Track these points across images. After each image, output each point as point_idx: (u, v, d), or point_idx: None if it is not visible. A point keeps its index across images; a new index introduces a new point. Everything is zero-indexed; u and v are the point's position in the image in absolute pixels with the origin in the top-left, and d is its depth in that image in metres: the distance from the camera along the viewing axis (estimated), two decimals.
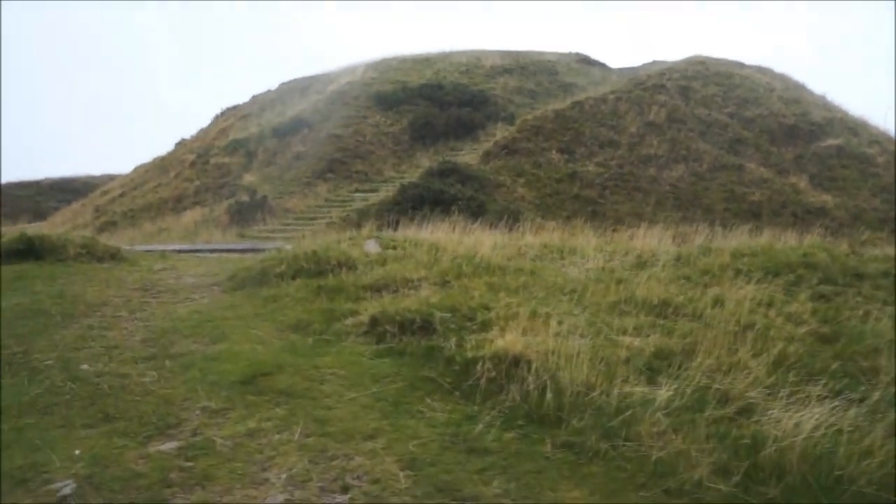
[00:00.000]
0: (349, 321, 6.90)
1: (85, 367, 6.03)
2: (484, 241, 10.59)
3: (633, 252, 10.06)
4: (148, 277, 10.38)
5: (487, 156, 26.13)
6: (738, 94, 31.54)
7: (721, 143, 27.91)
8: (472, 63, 37.76)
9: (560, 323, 6.32)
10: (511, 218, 21.91)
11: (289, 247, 17.05)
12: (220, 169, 29.12)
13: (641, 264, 9.38)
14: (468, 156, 27.12)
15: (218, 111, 40.33)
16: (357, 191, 26.31)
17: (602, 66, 41.93)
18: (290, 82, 39.47)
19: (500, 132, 28.86)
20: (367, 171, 27.86)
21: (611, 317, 6.81)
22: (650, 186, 24.80)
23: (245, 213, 24.12)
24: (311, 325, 6.98)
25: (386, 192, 24.70)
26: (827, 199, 25.93)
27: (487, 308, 6.76)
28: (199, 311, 7.91)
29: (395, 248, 10.24)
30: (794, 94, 34.31)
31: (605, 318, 6.71)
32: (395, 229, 22.11)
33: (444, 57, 38.83)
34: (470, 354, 5.48)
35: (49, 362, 6.13)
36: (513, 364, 5.22)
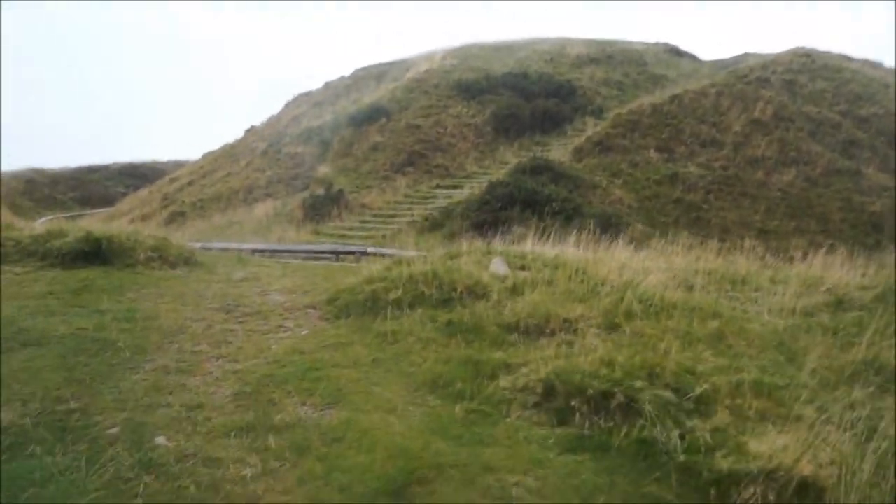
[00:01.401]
0: (505, 382, 5.20)
1: (161, 440, 4.45)
2: (630, 262, 8.79)
3: (817, 284, 8.16)
4: (228, 292, 8.83)
5: (579, 152, 24.25)
6: (849, 90, 29.04)
7: (834, 144, 25.56)
8: (557, 52, 35.82)
9: (812, 405, 4.53)
10: (612, 225, 20.09)
11: (389, 252, 15.46)
12: (293, 159, 27.77)
13: (839, 303, 7.48)
14: (557, 151, 25.28)
15: (289, 97, 39.10)
16: (438, 186, 24.68)
17: (692, 57, 39.60)
18: (364, 69, 38.04)
19: (591, 126, 26.95)
20: (449, 165, 26.21)
21: (862, 393, 4.98)
22: (758, 192, 22.65)
23: (320, 208, 22.68)
24: (453, 383, 5.30)
25: (471, 189, 23.01)
26: None
27: (693, 373, 4.99)
28: (300, 349, 6.29)
29: (524, 268, 8.51)
30: None
31: (859, 397, 4.89)
32: (491, 235, 20.45)
33: (527, 45, 36.96)
34: (724, 466, 3.72)
35: (114, 430, 4.57)
36: (798, 491, 3.45)
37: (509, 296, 7.20)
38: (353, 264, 13.12)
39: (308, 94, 37.45)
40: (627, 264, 8.68)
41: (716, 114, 25.97)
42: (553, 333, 6.23)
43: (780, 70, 29.63)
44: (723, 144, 24.42)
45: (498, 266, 8.27)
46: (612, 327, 6.31)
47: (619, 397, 4.57)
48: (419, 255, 11.58)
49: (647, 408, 4.46)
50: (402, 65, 36.50)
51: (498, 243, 13.88)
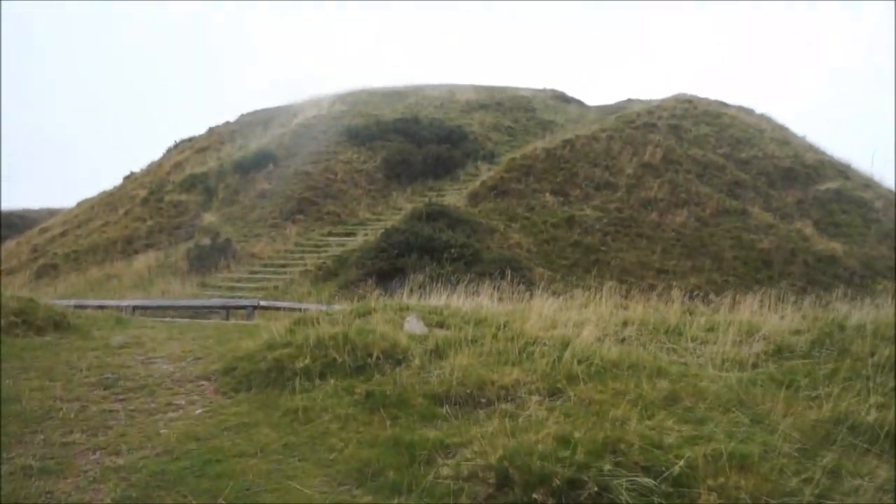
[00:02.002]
0: (447, 468, 4.41)
1: None
2: (553, 313, 8.18)
3: (751, 331, 7.74)
4: (107, 361, 7.73)
5: (475, 197, 23.87)
6: (730, 135, 29.95)
7: (720, 185, 26.15)
8: (446, 97, 35.72)
9: (799, 477, 3.96)
10: (510, 269, 19.64)
11: (283, 305, 14.41)
12: (175, 207, 26.31)
13: (779, 351, 7.07)
14: (452, 197, 24.87)
15: (171, 143, 37.43)
16: (331, 234, 23.79)
17: (578, 102, 40.29)
18: (250, 114, 36.86)
19: (484, 172, 26.74)
20: (340, 212, 25.39)
21: (849, 459, 4.45)
22: (654, 233, 22.78)
23: (206, 259, 21.40)
24: (384, 472, 4.48)
25: (364, 236, 22.23)
26: (835, 246, 24.25)
27: (661, 447, 4.36)
28: (196, 434, 5.33)
29: (442, 325, 7.78)
30: (781, 134, 32.94)
31: (845, 464, 4.35)
32: (391, 285, 19.63)
33: (416, 91, 36.71)
34: None
35: None
36: None
37: (432, 359, 6.44)
38: (247, 322, 12.07)
39: (191, 140, 35.95)
40: (551, 316, 8.07)
41: (608, 157, 26.18)
42: (489, 404, 5.50)
43: (665, 115, 30.31)
44: (616, 187, 24.56)
45: (413, 324, 7.51)
46: (554, 393, 5.63)
47: (591, 486, 3.85)
48: (318, 310, 10.71)
49: (625, 497, 3.77)
50: (288, 110, 35.56)
51: (401, 294, 13.18)
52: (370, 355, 6.42)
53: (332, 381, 6.09)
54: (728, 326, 8.19)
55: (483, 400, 5.58)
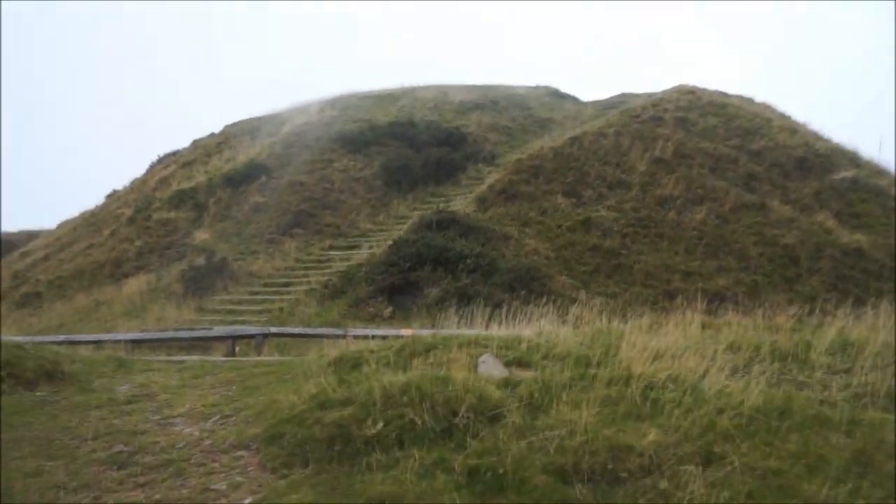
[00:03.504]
0: None
1: None
2: (637, 338, 6.90)
3: (871, 350, 6.49)
4: (115, 424, 6.39)
5: (483, 202, 22.58)
6: (738, 126, 28.82)
7: (735, 179, 25.01)
8: (440, 98, 34.41)
9: None
10: (534, 279, 18.40)
11: (294, 332, 12.93)
12: (164, 226, 24.85)
13: None
14: (458, 202, 23.57)
15: (154, 158, 35.84)
16: (332, 248, 22.45)
17: (574, 98, 39.09)
18: (235, 124, 35.35)
19: (486, 174, 25.48)
20: (340, 223, 24.05)
21: None
22: (674, 232, 21.59)
23: (202, 280, 20.00)
24: None
25: (370, 249, 20.90)
26: (860, 238, 23.17)
27: None
28: None
29: (520, 363, 6.48)
30: (787, 123, 31.85)
31: None
32: (404, 299, 18.28)
33: (408, 92, 35.39)
34: None
35: None
36: None
37: (530, 414, 5.15)
38: (268, 359, 10.70)
39: (175, 154, 34.40)
40: (642, 345, 6.79)
41: (618, 154, 24.97)
42: (632, 478, 4.23)
43: (670, 108, 29.14)
44: (630, 185, 23.34)
45: (490, 365, 6.21)
46: (711, 459, 4.36)
47: None
48: (349, 338, 9.45)
49: None
50: (275, 119, 34.10)
51: (436, 317, 11.93)
52: (455, 413, 5.12)
53: (415, 451, 4.76)
54: (847, 348, 6.98)
55: (623, 474, 4.30)
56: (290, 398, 6.05)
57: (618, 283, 19.42)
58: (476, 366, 6.19)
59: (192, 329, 15.26)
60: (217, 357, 12.30)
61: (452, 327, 10.65)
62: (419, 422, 5.00)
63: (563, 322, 8.94)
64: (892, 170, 29.06)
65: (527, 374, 6.02)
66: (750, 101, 34.77)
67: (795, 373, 6.22)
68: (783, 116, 33.23)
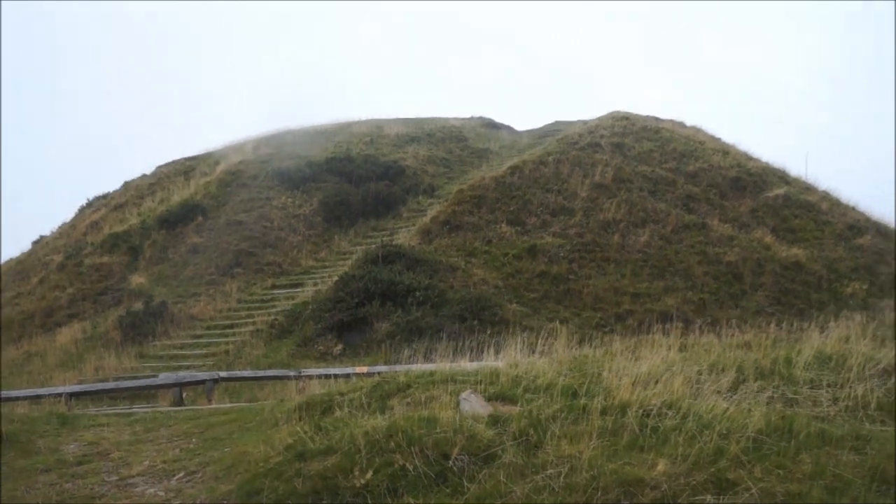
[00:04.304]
0: None
1: None
2: (616, 363, 6.69)
3: (842, 360, 6.42)
4: (68, 490, 5.88)
5: (427, 234, 22.36)
6: (672, 148, 29.32)
7: (674, 200, 25.35)
8: (375, 133, 34.21)
9: None
10: (484, 308, 18.19)
11: (245, 375, 12.40)
12: (97, 271, 23.91)
13: None
14: (401, 235, 23.31)
15: (83, 201, 34.62)
16: (275, 287, 21.90)
17: (508, 128, 39.29)
18: (167, 164, 34.51)
19: (428, 206, 25.27)
20: (281, 261, 23.54)
21: None
22: (620, 255, 21.68)
23: (141, 326, 19.28)
24: None
25: (315, 285, 20.45)
26: (798, 252, 23.69)
27: None
28: None
29: (504, 397, 6.19)
30: (718, 145, 32.56)
31: None
32: (353, 336, 17.85)
33: (343, 128, 35.10)
34: None
35: None
36: None
37: (526, 451, 4.87)
38: (225, 406, 10.18)
39: (105, 197, 33.32)
40: (620, 370, 6.60)
41: (558, 181, 25.05)
42: None
43: (606, 134, 29.47)
44: (573, 211, 23.40)
45: (473, 403, 5.91)
46: (725, 487, 4.14)
47: None
48: (306, 380, 9.09)
49: None
50: (208, 158, 33.39)
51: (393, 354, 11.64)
52: (446, 456, 4.80)
53: (409, 499, 4.43)
54: (826, 361, 6.91)
55: None
56: (261, 449, 5.65)
57: (568, 307, 19.34)
58: (458, 403, 5.89)
59: (136, 377, 14.57)
60: (166, 406, 11.72)
61: (409, 362, 10.34)
62: (410, 468, 4.67)
63: (533, 351, 8.69)
64: (819, 185, 30.09)
65: (513, 410, 5.74)
66: (681, 124, 35.45)
67: (783, 390, 6.08)
68: (714, 138, 33.96)
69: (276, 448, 5.47)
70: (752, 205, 26.38)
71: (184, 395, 13.13)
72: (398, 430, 5.07)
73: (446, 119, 38.20)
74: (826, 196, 28.99)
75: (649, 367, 6.70)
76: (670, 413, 5.19)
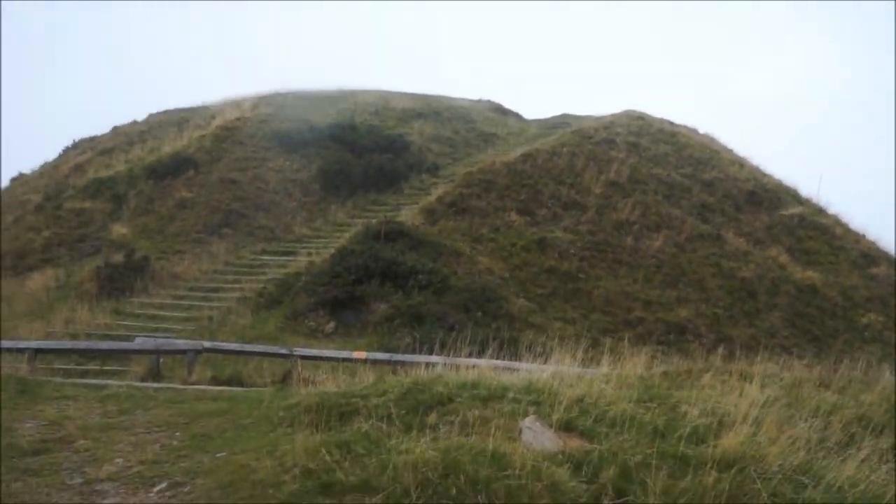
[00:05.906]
0: None
1: None
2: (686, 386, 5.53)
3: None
4: (19, 492, 4.62)
5: (431, 214, 21.10)
6: (689, 155, 28.23)
7: (689, 208, 24.27)
8: (381, 104, 32.80)
9: None
10: (486, 299, 17.02)
11: (231, 348, 11.16)
12: (78, 216, 22.50)
13: None
14: (402, 212, 21.98)
15: (68, 142, 32.91)
16: (265, 252, 20.60)
17: (517, 115, 38.01)
18: (161, 113, 33.01)
19: (439, 186, 23.98)
20: (274, 226, 22.24)
21: None
22: (632, 259, 20.57)
23: (119, 280, 17.95)
24: None
25: (308, 256, 19.16)
26: (813, 275, 22.73)
27: None
28: None
29: (569, 426, 4.99)
30: (733, 156, 31.50)
31: None
32: (348, 316, 16.61)
33: (348, 95, 33.57)
34: None
35: None
36: None
37: None
38: (213, 389, 8.92)
39: (92, 140, 31.69)
40: (702, 405, 5.42)
41: (572, 174, 23.83)
42: None
43: (621, 132, 28.28)
44: (586, 207, 22.22)
45: (538, 433, 4.70)
46: None
47: None
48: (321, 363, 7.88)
49: None
50: (204, 111, 31.87)
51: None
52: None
53: None
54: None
55: None
56: (267, 466, 4.42)
57: (576, 308, 18.22)
58: (520, 431, 4.68)
59: (109, 337, 13.26)
60: (141, 373, 10.50)
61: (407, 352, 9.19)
62: None
63: (576, 362, 7.49)
64: (832, 208, 29.07)
65: (583, 445, 4.55)
66: (695, 131, 34.35)
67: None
68: (727, 149, 32.88)
69: (289, 469, 4.23)
70: (768, 221, 25.38)
71: (161, 362, 11.86)
72: (457, 467, 3.85)
73: (454, 99, 36.83)
74: (838, 220, 28.05)
75: (734, 405, 5.53)
76: (806, 479, 4.01)
